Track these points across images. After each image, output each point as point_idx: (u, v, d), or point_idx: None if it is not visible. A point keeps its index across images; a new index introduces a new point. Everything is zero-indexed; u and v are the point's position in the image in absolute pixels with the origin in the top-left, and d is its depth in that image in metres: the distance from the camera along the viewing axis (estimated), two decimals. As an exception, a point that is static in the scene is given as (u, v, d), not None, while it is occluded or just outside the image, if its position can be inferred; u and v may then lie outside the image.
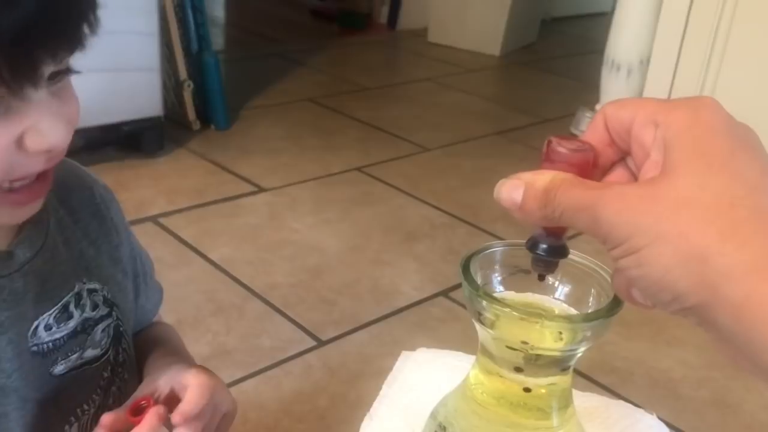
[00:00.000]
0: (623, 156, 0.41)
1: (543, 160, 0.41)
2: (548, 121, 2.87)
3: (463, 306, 1.69)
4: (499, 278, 0.51)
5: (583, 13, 4.66)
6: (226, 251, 1.79)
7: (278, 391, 1.36)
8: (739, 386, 1.46)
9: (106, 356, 0.65)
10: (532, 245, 0.43)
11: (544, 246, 0.42)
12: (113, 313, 0.66)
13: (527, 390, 0.49)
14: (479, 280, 0.48)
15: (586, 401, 0.64)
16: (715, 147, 0.35)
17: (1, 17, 0.44)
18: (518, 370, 0.48)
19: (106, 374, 0.66)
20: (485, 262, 0.50)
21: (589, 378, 1.44)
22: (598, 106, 2.53)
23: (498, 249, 0.51)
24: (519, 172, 0.41)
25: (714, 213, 0.33)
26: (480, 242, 0.51)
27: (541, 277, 0.46)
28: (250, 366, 1.42)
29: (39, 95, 0.50)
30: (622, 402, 0.68)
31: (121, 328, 0.67)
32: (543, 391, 0.49)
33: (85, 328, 0.63)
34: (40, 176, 0.54)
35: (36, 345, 0.59)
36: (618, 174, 0.42)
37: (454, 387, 0.54)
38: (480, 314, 0.47)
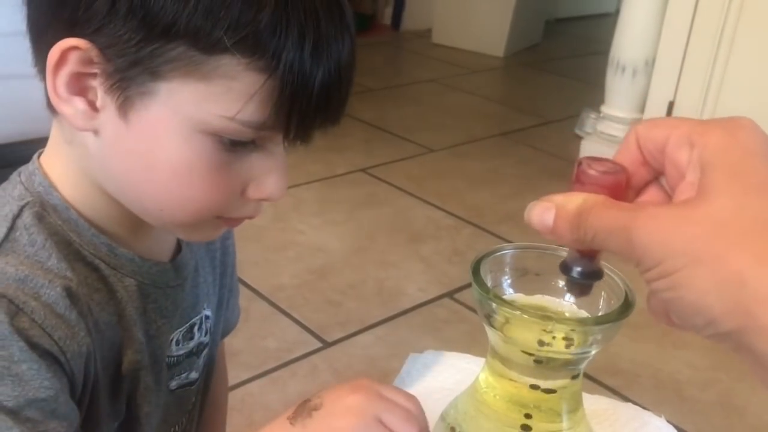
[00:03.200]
0: (657, 175, 0.41)
1: (573, 181, 0.40)
2: (553, 122, 2.87)
3: (469, 307, 1.70)
4: (509, 281, 0.51)
5: (588, 14, 4.66)
6: (232, 252, 1.79)
7: (284, 393, 1.36)
8: (745, 388, 1.46)
9: (198, 382, 0.67)
10: (565, 268, 0.42)
11: (579, 269, 0.41)
12: (210, 342, 0.68)
13: (537, 392, 0.49)
14: (489, 283, 0.48)
15: (594, 403, 0.64)
16: (753, 169, 0.34)
17: (319, 67, 0.48)
18: (529, 372, 0.48)
19: (193, 399, 0.67)
20: (495, 265, 0.50)
21: (595, 380, 1.44)
22: (602, 107, 2.52)
23: (508, 252, 0.51)
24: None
25: (751, 237, 0.33)
26: (485, 243, 0.51)
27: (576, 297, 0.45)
28: (255, 367, 1.42)
29: (280, 148, 0.52)
30: (630, 404, 0.68)
31: (210, 357, 0.69)
32: (554, 393, 0.49)
33: (197, 351, 0.65)
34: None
35: (168, 357, 0.61)
36: (651, 194, 0.41)
37: (462, 389, 0.54)
38: (490, 317, 0.47)
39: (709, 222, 0.34)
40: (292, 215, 2.01)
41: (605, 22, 3.99)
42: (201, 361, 0.66)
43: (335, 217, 2.02)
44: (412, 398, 0.51)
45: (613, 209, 0.37)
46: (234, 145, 0.50)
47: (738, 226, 0.33)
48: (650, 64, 2.39)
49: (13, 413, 0.44)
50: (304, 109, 0.49)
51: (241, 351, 1.45)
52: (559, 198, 0.39)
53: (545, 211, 0.39)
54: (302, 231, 1.93)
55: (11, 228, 0.50)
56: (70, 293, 0.49)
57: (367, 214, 2.06)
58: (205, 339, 0.66)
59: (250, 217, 0.56)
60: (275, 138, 0.51)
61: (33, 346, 0.46)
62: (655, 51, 2.36)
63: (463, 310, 1.64)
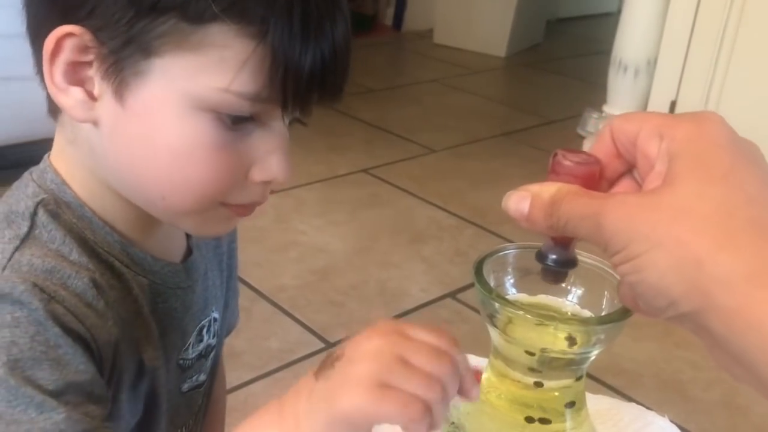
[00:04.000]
0: (630, 168, 0.42)
1: (549, 172, 0.42)
2: (554, 122, 2.86)
3: (472, 308, 1.70)
4: (511, 281, 0.51)
5: (589, 14, 4.65)
6: (234, 253, 1.79)
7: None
8: (748, 388, 1.45)
9: (205, 383, 0.67)
10: (541, 256, 0.43)
11: (553, 257, 0.43)
12: (217, 344, 0.68)
13: (540, 392, 0.49)
14: (492, 283, 0.48)
15: (597, 403, 0.64)
16: (717, 159, 0.36)
17: (312, 41, 0.49)
18: (532, 372, 0.48)
19: (200, 400, 0.67)
20: (498, 265, 0.50)
21: (598, 380, 1.44)
22: (605, 107, 2.52)
23: (510, 252, 0.51)
24: (526, 181, 0.42)
25: (711, 222, 0.34)
26: (487, 244, 0.51)
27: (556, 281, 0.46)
28: (258, 368, 1.42)
29: (282, 126, 0.53)
30: (633, 404, 0.68)
31: (216, 359, 0.69)
32: (556, 393, 0.49)
33: (206, 353, 0.65)
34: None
35: (183, 359, 0.61)
36: (625, 185, 0.43)
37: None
38: (493, 317, 0.47)
39: (673, 208, 0.35)
40: (293, 216, 2.01)
41: (607, 21, 3.98)
42: (209, 362, 0.66)
43: (337, 217, 2.02)
44: (443, 334, 0.45)
45: (584, 197, 0.39)
46: (234, 123, 0.50)
47: (699, 213, 0.35)
48: (652, 63, 2.38)
49: (56, 395, 0.44)
50: (299, 80, 0.49)
51: (243, 352, 1.45)
52: (535, 187, 0.41)
53: (521, 200, 0.41)
54: (304, 232, 1.93)
55: (32, 225, 0.51)
56: (96, 284, 0.50)
57: (369, 214, 2.06)
58: (213, 341, 0.66)
59: (257, 203, 0.56)
60: (274, 113, 0.51)
61: (68, 331, 0.46)
62: (657, 50, 2.36)
63: (466, 311, 1.64)
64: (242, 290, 1.69)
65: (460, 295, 1.69)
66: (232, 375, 1.39)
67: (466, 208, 2.11)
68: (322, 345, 1.50)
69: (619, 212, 0.36)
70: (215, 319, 0.66)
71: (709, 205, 0.35)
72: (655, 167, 0.39)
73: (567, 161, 0.41)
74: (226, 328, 0.77)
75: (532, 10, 3.84)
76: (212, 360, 0.67)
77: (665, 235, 0.35)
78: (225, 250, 0.71)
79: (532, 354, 0.47)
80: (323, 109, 0.56)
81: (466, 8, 3.70)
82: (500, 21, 3.71)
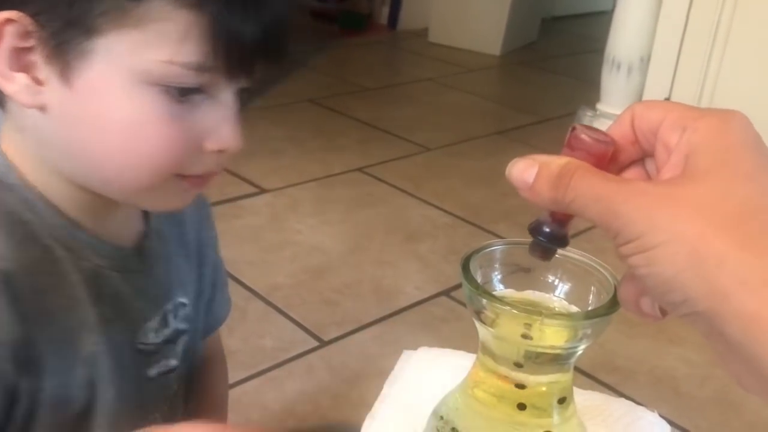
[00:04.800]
0: (643, 156, 0.41)
1: (564, 146, 0.40)
2: (549, 120, 2.87)
3: (465, 305, 1.69)
4: (499, 276, 0.51)
5: (584, 12, 4.66)
6: (228, 252, 1.78)
7: (281, 392, 1.36)
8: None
9: (177, 369, 0.67)
10: (534, 228, 0.42)
11: (547, 230, 0.41)
12: (190, 329, 0.68)
13: (527, 388, 0.49)
14: (479, 279, 0.48)
15: (587, 399, 0.64)
16: (742, 159, 0.35)
17: (251, 10, 0.50)
18: (519, 367, 0.48)
19: (174, 386, 0.67)
20: (485, 261, 0.50)
21: (591, 377, 1.44)
22: (598, 105, 2.52)
23: (498, 247, 0.51)
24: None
25: (734, 221, 0.33)
26: (482, 242, 0.51)
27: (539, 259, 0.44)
28: (252, 367, 1.42)
29: (230, 96, 0.53)
30: (623, 400, 0.68)
31: (191, 344, 0.69)
32: (543, 389, 0.49)
33: (174, 338, 0.65)
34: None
35: (142, 344, 0.61)
36: (634, 172, 0.41)
37: (455, 385, 0.54)
38: (480, 313, 0.47)
39: (695, 202, 0.34)
40: (288, 215, 2.01)
41: (601, 19, 3.99)
42: (179, 347, 0.66)
43: (331, 216, 2.02)
44: None
45: (598, 176, 0.37)
46: (182, 95, 0.51)
47: (723, 210, 0.33)
48: (645, 61, 2.39)
49: None
50: (241, 48, 0.50)
51: (237, 350, 1.45)
52: (543, 157, 0.39)
53: (527, 168, 0.39)
54: (299, 230, 1.94)
55: None
56: (5, 278, 0.50)
57: (364, 213, 2.06)
58: (182, 326, 0.66)
59: (212, 174, 0.57)
60: (220, 84, 0.52)
61: None
62: (651, 48, 2.37)
63: (460, 309, 1.64)
64: (237, 289, 1.70)
65: (454, 293, 1.69)
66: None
67: (461, 206, 2.11)
68: (316, 343, 1.50)
69: (637, 200, 0.35)
70: (182, 304, 0.66)
71: (733, 204, 0.33)
72: (671, 158, 0.38)
73: (585, 136, 0.39)
74: (213, 321, 0.77)
75: (527, 8, 3.84)
76: (184, 345, 0.67)
77: (686, 228, 0.33)
78: (193, 237, 0.71)
79: (518, 349, 0.47)
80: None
81: (461, 7, 3.71)
82: (495, 19, 3.71)
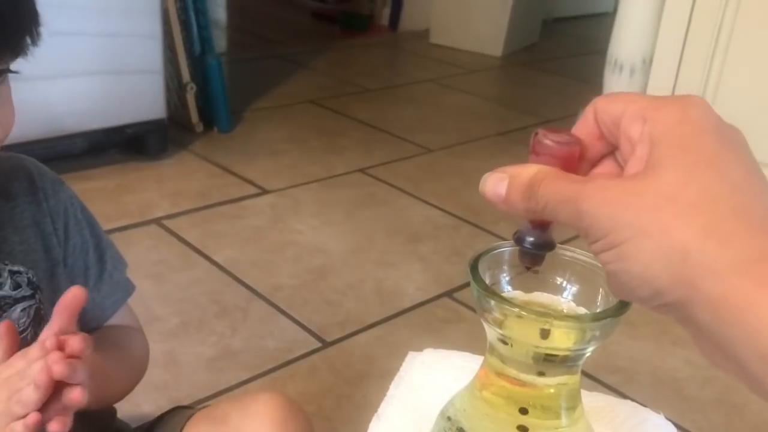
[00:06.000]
0: (612, 149, 0.41)
1: (529, 152, 0.41)
2: (550, 122, 2.87)
3: (468, 306, 1.70)
4: (507, 278, 0.51)
5: (585, 14, 4.66)
6: (231, 253, 1.79)
7: (284, 393, 1.36)
8: (744, 386, 1.46)
9: (23, 336, 0.69)
10: (518, 239, 0.43)
11: (531, 239, 0.42)
12: (36, 296, 0.71)
13: (535, 389, 0.49)
14: (487, 280, 0.48)
15: (592, 401, 0.64)
16: (702, 145, 0.35)
17: None
18: (527, 369, 0.48)
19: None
20: (493, 263, 0.50)
21: (594, 378, 1.44)
22: (600, 106, 2.52)
23: (506, 249, 0.51)
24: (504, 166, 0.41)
25: (697, 210, 0.34)
26: (483, 243, 0.51)
27: (530, 269, 0.46)
28: (255, 368, 1.42)
29: None
30: (629, 401, 0.68)
31: (42, 312, 0.71)
32: (552, 390, 0.49)
33: (2, 305, 0.68)
34: None
35: None
36: (606, 167, 0.42)
37: (461, 386, 0.54)
38: (488, 314, 0.47)
39: (657, 194, 0.34)
40: (290, 216, 2.01)
41: (603, 21, 3.99)
42: (17, 314, 0.69)
43: (334, 217, 2.02)
44: (40, 362, 0.56)
45: (564, 180, 0.38)
46: None
47: (684, 200, 0.34)
48: (647, 62, 2.39)
49: None
50: None
51: (240, 351, 1.45)
52: (513, 169, 0.40)
53: (499, 182, 0.40)
54: (301, 231, 1.94)
55: None
56: None
57: (366, 214, 2.06)
58: (19, 293, 0.69)
59: None
60: None
61: None
62: (653, 49, 2.37)
63: (462, 310, 1.64)
64: (239, 290, 1.71)
65: (456, 294, 1.69)
66: (229, 375, 1.39)
67: (463, 207, 2.11)
68: (319, 344, 1.50)
69: (600, 197, 0.35)
70: (17, 272, 0.70)
71: (694, 192, 0.34)
72: (636, 151, 0.38)
73: (547, 141, 0.40)
74: (100, 313, 0.79)
75: (529, 9, 3.84)
76: (28, 313, 0.70)
77: (649, 222, 0.34)
78: (53, 229, 0.75)
79: (526, 351, 0.47)
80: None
81: (463, 8, 3.71)
82: (496, 21, 3.71)
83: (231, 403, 0.79)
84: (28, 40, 0.61)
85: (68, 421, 0.58)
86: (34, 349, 0.58)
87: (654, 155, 0.36)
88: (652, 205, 0.34)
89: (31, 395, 0.56)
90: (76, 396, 0.57)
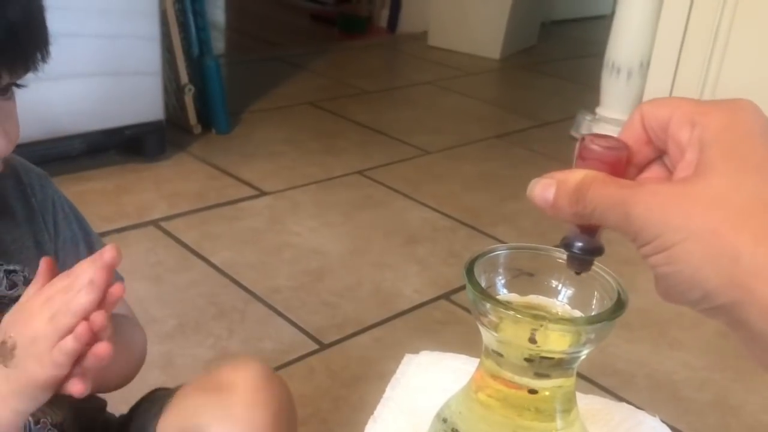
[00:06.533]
0: (660, 154, 0.41)
1: (576, 157, 0.41)
2: (548, 124, 2.87)
3: (465, 309, 1.70)
4: (502, 281, 0.51)
5: (583, 16, 4.67)
6: (228, 255, 1.79)
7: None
8: (740, 388, 1.47)
9: None
10: (566, 244, 0.43)
11: (580, 244, 0.42)
12: None
13: (531, 392, 0.49)
14: (483, 283, 0.49)
15: (588, 403, 0.64)
16: (752, 149, 0.35)
17: None
18: (522, 372, 0.49)
19: None
20: (489, 266, 0.51)
21: (590, 380, 1.44)
22: (598, 109, 2.53)
23: (501, 252, 0.51)
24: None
25: (747, 214, 0.34)
26: (481, 245, 0.51)
27: (579, 274, 0.45)
28: (252, 369, 1.42)
29: None
30: (624, 404, 0.68)
31: None
32: (547, 393, 0.50)
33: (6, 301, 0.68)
34: None
35: None
36: (654, 171, 0.42)
37: (458, 389, 0.54)
38: (484, 317, 0.48)
39: (707, 199, 0.35)
40: (287, 217, 2.01)
41: (601, 24, 4.00)
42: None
43: (331, 219, 2.03)
44: (92, 266, 0.56)
45: (612, 185, 0.38)
46: None
47: (735, 204, 0.34)
48: (645, 65, 2.40)
49: None
50: None
51: (237, 353, 1.45)
52: (561, 174, 0.40)
53: (546, 187, 0.40)
54: (298, 233, 1.94)
55: None
56: None
57: (363, 216, 2.06)
58: (15, 292, 0.69)
59: None
60: None
61: None
62: (650, 52, 2.37)
63: (459, 312, 1.65)
64: (236, 291, 1.71)
65: (454, 297, 1.69)
66: (226, 376, 1.39)
67: (460, 209, 2.12)
68: (316, 346, 1.51)
69: (650, 202, 0.36)
70: (13, 271, 0.70)
71: (745, 196, 0.34)
72: (686, 156, 0.38)
73: (595, 146, 0.40)
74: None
75: (527, 12, 3.85)
76: None
77: (700, 226, 0.34)
78: (20, 207, 0.75)
79: (522, 354, 0.48)
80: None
81: (461, 10, 3.71)
82: (494, 23, 3.72)
83: (213, 373, 0.77)
84: (39, 56, 0.62)
85: (89, 383, 0.57)
86: (80, 264, 0.57)
87: (704, 159, 0.36)
88: (702, 208, 0.34)
89: (83, 298, 0.54)
90: (103, 350, 0.55)
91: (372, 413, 0.64)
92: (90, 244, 0.80)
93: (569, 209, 0.39)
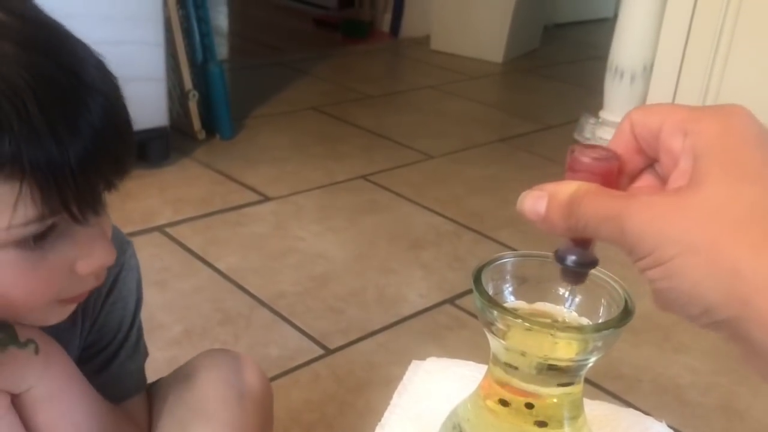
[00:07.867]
0: (651, 163, 0.40)
1: (566, 169, 0.40)
2: (552, 128, 2.87)
3: (470, 313, 1.70)
4: (510, 289, 0.51)
5: (586, 19, 4.67)
6: (233, 260, 1.80)
7: (287, 400, 1.37)
8: (746, 392, 1.46)
9: None
10: (560, 257, 0.42)
11: (573, 257, 0.41)
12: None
13: (540, 399, 0.49)
14: (490, 291, 0.49)
15: (595, 409, 0.64)
16: (747, 157, 0.34)
17: (68, 147, 0.48)
18: (530, 379, 0.49)
19: None
20: (496, 273, 0.51)
21: (596, 385, 1.44)
22: (601, 113, 2.53)
23: (509, 260, 0.52)
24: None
25: (747, 225, 0.33)
26: (485, 249, 0.51)
27: (573, 287, 0.45)
28: (258, 375, 1.42)
29: (93, 219, 0.54)
30: (631, 409, 0.68)
31: None
32: (555, 400, 0.50)
33: None
34: None
35: None
36: (646, 180, 0.41)
37: (465, 396, 0.55)
38: (492, 325, 0.48)
39: (703, 210, 0.33)
40: (292, 223, 2.01)
41: (603, 27, 4.00)
42: None
43: (335, 224, 2.03)
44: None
45: (605, 197, 0.37)
46: (36, 242, 0.51)
47: (732, 214, 0.33)
48: (648, 69, 2.40)
49: None
50: (73, 184, 0.49)
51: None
52: (551, 186, 0.39)
53: (537, 200, 0.39)
54: (303, 238, 1.94)
55: None
56: None
57: (368, 220, 2.06)
58: None
59: (95, 287, 0.59)
60: (69, 218, 0.51)
61: None
62: (653, 56, 2.37)
63: (465, 316, 1.65)
64: (241, 297, 1.71)
65: (458, 301, 1.69)
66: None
67: (465, 213, 2.12)
68: (321, 351, 1.51)
69: (645, 214, 0.34)
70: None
71: (743, 206, 0.33)
72: (680, 165, 0.37)
73: (585, 158, 0.39)
74: (121, 391, 0.76)
75: (529, 15, 3.85)
76: None
77: (697, 238, 0.33)
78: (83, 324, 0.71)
79: (530, 361, 0.48)
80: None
81: (463, 14, 3.72)
82: (497, 27, 3.72)
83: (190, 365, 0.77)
84: (130, 158, 0.57)
85: None
86: None
87: (698, 169, 0.35)
88: (699, 220, 0.33)
89: None
90: None
91: (378, 418, 0.64)
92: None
93: (561, 223, 0.38)
